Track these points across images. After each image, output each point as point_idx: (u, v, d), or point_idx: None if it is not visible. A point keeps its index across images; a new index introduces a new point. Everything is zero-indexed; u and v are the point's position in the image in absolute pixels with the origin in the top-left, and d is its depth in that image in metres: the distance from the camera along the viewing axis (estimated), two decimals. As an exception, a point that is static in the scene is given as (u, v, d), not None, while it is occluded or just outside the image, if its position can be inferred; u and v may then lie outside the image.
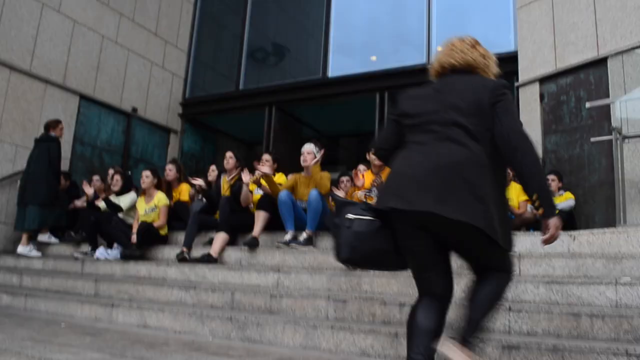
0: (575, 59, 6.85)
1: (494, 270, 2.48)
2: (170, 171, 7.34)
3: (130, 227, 6.59)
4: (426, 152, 2.40)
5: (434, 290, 2.47)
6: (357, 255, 2.46)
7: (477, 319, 2.39)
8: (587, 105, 6.31)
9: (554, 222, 2.35)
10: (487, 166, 2.33)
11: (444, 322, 2.47)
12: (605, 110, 6.38)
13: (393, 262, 2.58)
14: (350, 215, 2.46)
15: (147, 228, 6.32)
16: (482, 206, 2.26)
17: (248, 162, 7.05)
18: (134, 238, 6.29)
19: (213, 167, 7.39)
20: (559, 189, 6.41)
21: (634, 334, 3.10)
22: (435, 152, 2.36)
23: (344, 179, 6.92)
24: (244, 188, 6.15)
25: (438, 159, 2.34)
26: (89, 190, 7.32)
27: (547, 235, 2.39)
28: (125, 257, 6.27)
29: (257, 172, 5.98)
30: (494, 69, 2.63)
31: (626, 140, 5.67)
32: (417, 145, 2.45)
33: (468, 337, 2.35)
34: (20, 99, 8.07)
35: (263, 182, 6.05)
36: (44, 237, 7.41)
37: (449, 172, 2.30)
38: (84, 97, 9.10)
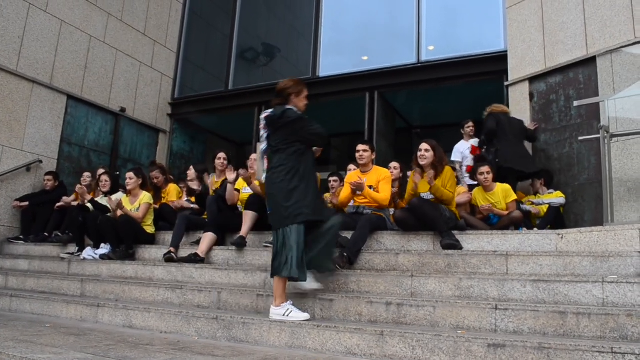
0: (564, 58, 6.87)
1: None
2: (158, 178, 7.36)
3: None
4: (513, 146, 6.45)
5: None
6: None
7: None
8: (575, 103, 6.32)
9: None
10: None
11: None
12: (595, 109, 6.40)
13: None
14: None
15: (127, 220, 6.32)
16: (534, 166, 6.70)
17: (238, 162, 7.01)
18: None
19: (192, 172, 7.37)
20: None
21: (620, 332, 3.10)
22: (518, 146, 6.57)
23: (332, 179, 6.94)
24: (229, 187, 6.10)
25: (519, 150, 6.56)
26: (87, 197, 7.05)
27: None
28: (116, 258, 6.24)
29: (241, 171, 5.93)
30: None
31: (614, 139, 5.67)
32: (508, 142, 6.46)
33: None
34: (7, 99, 7.98)
35: (256, 181, 6.01)
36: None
37: (525, 154, 6.66)
38: (71, 97, 9.02)
